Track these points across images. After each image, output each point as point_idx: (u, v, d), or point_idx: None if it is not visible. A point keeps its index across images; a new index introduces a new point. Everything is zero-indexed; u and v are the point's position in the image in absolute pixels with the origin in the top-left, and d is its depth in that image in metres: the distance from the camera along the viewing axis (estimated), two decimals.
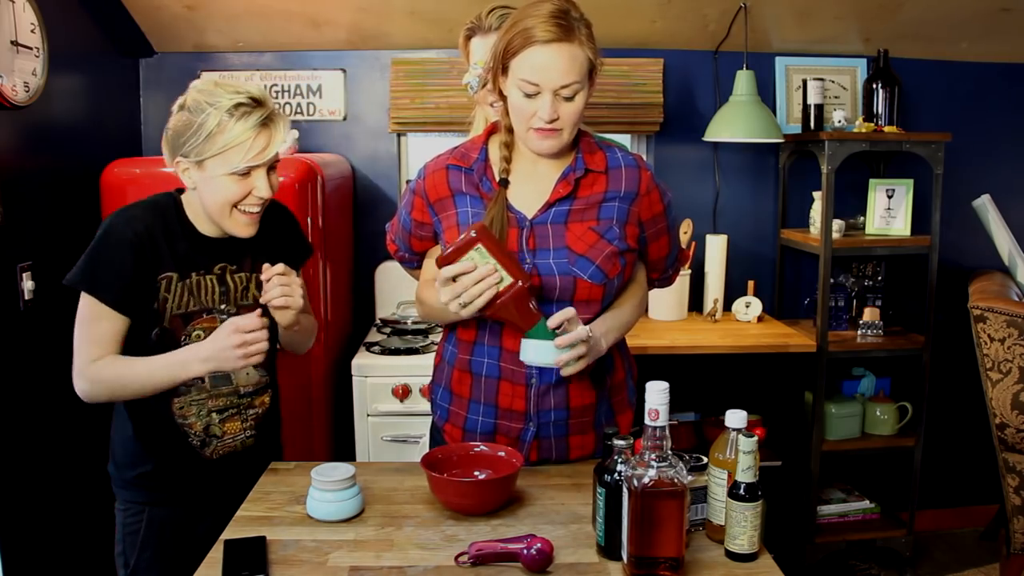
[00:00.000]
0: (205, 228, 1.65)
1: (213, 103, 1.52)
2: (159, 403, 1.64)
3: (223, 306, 1.66)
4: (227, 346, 1.55)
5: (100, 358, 1.59)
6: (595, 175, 1.61)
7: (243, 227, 1.62)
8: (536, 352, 1.50)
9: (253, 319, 1.56)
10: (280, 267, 1.60)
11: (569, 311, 1.51)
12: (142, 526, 1.69)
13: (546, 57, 1.47)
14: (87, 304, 1.59)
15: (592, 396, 1.65)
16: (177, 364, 1.58)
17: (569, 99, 1.51)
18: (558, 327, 1.50)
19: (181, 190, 1.67)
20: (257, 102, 1.54)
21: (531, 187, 1.62)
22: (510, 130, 1.61)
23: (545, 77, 1.48)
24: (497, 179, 1.61)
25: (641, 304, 1.73)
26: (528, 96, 1.50)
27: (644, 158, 3.22)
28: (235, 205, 1.58)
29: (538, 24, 1.47)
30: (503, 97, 1.58)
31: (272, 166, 1.61)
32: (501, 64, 1.54)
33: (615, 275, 1.60)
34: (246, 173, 1.56)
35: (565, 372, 1.51)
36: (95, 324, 1.59)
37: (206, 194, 1.59)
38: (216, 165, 1.54)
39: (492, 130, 1.67)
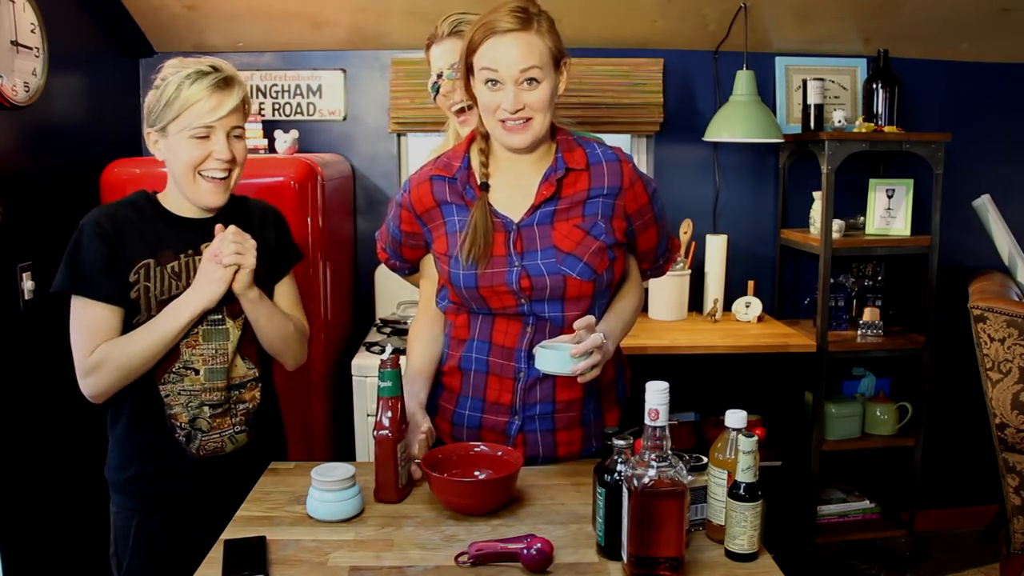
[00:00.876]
0: (185, 211, 1.68)
1: (175, 73, 1.60)
2: (148, 390, 1.64)
3: None
4: (206, 269, 1.60)
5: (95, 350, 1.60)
6: (577, 173, 1.62)
7: (208, 194, 1.64)
8: (552, 361, 1.50)
9: (220, 236, 1.60)
10: (233, 227, 1.62)
11: (590, 319, 1.53)
12: (131, 532, 1.68)
13: (504, 45, 1.52)
14: (76, 306, 1.62)
15: (579, 391, 1.65)
16: (172, 308, 1.60)
17: (531, 87, 1.53)
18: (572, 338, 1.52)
19: (156, 192, 1.72)
20: (215, 69, 1.61)
21: (515, 191, 1.63)
22: (486, 136, 1.64)
23: (503, 64, 1.52)
24: (479, 184, 1.63)
25: (639, 304, 1.76)
26: (492, 90, 1.54)
27: (636, 156, 3.24)
28: (197, 170, 1.62)
29: (497, 18, 1.52)
30: (475, 100, 1.60)
31: (238, 134, 1.65)
32: (466, 63, 1.57)
33: (603, 270, 1.61)
34: (205, 136, 1.60)
35: (582, 380, 1.52)
36: (87, 321, 1.61)
37: (172, 162, 1.63)
38: (175, 128, 1.60)
39: (472, 138, 1.68)
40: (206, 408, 1.66)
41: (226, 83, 1.61)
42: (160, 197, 1.70)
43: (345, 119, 3.15)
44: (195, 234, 1.67)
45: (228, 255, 1.59)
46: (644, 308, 3.04)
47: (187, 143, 1.60)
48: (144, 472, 1.67)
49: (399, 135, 3.18)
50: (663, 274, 1.87)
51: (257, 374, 1.73)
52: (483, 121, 1.61)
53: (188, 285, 1.63)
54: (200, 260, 1.65)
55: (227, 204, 1.70)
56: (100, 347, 1.59)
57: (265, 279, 1.72)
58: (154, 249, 1.63)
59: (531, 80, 1.53)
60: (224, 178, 1.64)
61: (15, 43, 2.19)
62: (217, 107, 1.59)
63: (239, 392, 1.71)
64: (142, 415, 1.66)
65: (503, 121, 1.55)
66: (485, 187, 1.63)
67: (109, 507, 1.74)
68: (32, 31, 2.27)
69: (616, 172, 1.63)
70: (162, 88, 1.60)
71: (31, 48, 2.27)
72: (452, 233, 1.63)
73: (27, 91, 2.25)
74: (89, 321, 1.60)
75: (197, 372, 1.65)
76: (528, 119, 1.55)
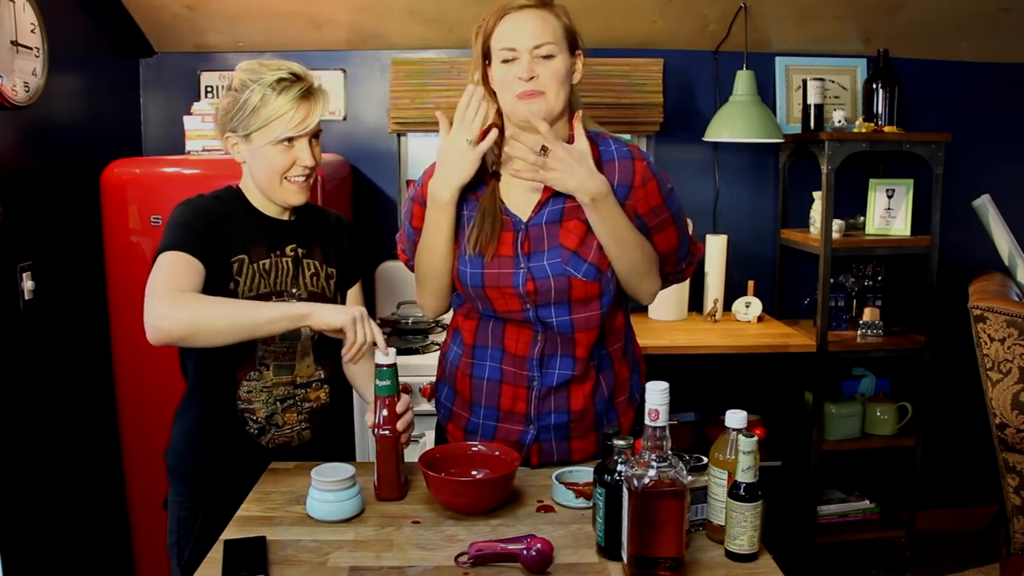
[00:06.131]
0: (271, 211, 1.71)
1: (257, 80, 1.60)
2: (227, 385, 1.67)
3: (294, 290, 1.69)
4: (328, 310, 1.54)
5: (184, 291, 1.51)
6: None
7: (293, 195, 1.67)
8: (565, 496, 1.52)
9: (375, 332, 1.56)
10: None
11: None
12: (198, 522, 1.69)
13: (519, 20, 1.55)
14: (168, 257, 1.54)
15: (592, 401, 1.65)
16: (261, 304, 1.55)
17: (547, 59, 1.54)
18: None
19: (237, 185, 1.73)
20: (297, 77, 1.62)
21: (525, 188, 1.62)
22: (501, 129, 1.63)
23: (519, 39, 1.53)
24: (489, 173, 1.63)
25: (644, 245, 1.63)
26: (507, 65, 1.55)
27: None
28: (283, 175, 1.65)
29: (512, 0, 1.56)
30: (493, 94, 1.60)
31: (315, 137, 1.67)
32: (483, 50, 1.59)
33: (608, 268, 1.60)
34: (290, 144, 1.62)
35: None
36: (177, 268, 1.53)
37: (255, 166, 1.66)
38: (261, 137, 1.61)
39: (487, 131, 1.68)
40: (278, 403, 1.70)
41: (310, 92, 1.62)
42: (245, 191, 1.71)
43: (345, 119, 3.15)
44: (282, 234, 1.70)
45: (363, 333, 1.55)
46: (644, 308, 3.05)
47: (272, 151, 1.62)
48: (213, 462, 1.70)
49: (399, 135, 3.18)
50: (685, 278, 1.83)
51: (324, 376, 1.76)
52: (500, 102, 1.60)
53: (274, 284, 1.66)
54: (287, 262, 1.68)
55: (306, 210, 1.74)
56: (189, 293, 1.51)
57: (337, 285, 1.77)
58: (247, 245, 1.66)
59: (546, 56, 1.54)
60: (307, 180, 1.68)
61: (15, 43, 2.19)
62: (305, 119, 1.61)
63: (304, 391, 1.73)
64: (216, 407, 1.68)
65: (517, 93, 1.55)
66: (496, 175, 1.63)
67: (167, 496, 1.74)
68: (32, 31, 2.27)
69: (628, 170, 1.60)
70: (244, 95, 1.60)
71: (31, 48, 2.27)
72: (461, 228, 1.63)
73: (27, 91, 2.25)
74: (180, 269, 1.53)
75: (268, 368, 1.68)
76: (542, 92, 1.54)
